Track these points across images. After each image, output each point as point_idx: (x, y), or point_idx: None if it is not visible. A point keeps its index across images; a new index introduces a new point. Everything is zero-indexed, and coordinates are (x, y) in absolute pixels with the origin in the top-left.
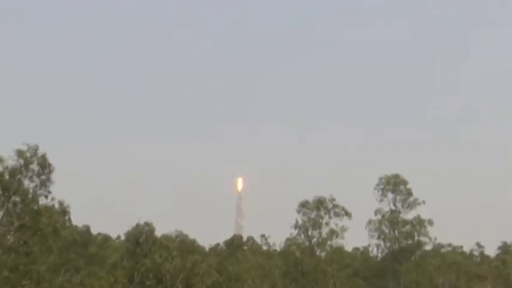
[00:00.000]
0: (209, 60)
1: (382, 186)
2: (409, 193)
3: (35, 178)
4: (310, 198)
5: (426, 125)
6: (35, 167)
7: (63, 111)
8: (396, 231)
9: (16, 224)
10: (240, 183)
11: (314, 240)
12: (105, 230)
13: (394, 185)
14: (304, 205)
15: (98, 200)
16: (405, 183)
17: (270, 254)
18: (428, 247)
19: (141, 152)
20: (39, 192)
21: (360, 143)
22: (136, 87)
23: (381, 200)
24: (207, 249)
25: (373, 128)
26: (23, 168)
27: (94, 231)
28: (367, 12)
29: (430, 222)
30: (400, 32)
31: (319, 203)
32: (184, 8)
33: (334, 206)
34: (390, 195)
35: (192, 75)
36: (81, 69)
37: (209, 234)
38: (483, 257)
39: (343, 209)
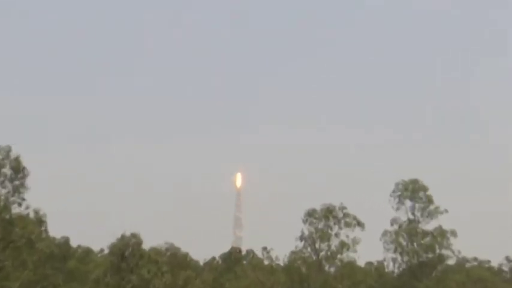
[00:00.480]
0: (209, 60)
1: (399, 193)
2: (430, 200)
3: (7, 183)
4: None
5: (426, 125)
6: (7, 170)
7: (62, 111)
8: (415, 244)
9: None
10: (239, 179)
11: (322, 253)
12: (86, 242)
13: (412, 191)
14: (311, 214)
15: (84, 206)
16: (425, 189)
17: (272, 269)
18: (451, 261)
19: (140, 152)
20: (11, 199)
21: (360, 142)
22: (136, 87)
23: (398, 208)
24: (201, 263)
25: (373, 128)
26: None
27: (74, 243)
28: (367, 13)
29: (454, 233)
30: (399, 33)
31: (328, 212)
32: (184, 7)
33: (345, 215)
34: (408, 203)
35: (192, 75)
36: (81, 69)
37: (204, 247)
38: None
39: (354, 218)
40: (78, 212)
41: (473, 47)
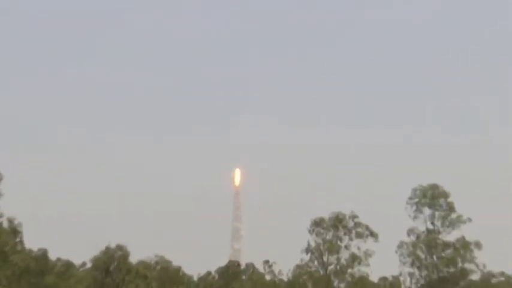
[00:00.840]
0: (208, 59)
1: (416, 200)
2: (451, 208)
3: None
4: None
5: (427, 125)
6: None
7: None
8: (434, 257)
9: None
10: (237, 176)
11: (331, 267)
12: (66, 255)
13: (431, 198)
14: (318, 223)
15: (64, 213)
16: (446, 195)
17: (275, 285)
18: (475, 276)
19: (138, 153)
20: None
21: (360, 142)
22: (135, 87)
23: (415, 217)
24: (195, 279)
25: (373, 128)
26: None
27: (52, 255)
28: (367, 13)
29: (478, 245)
30: (399, 33)
31: (337, 221)
32: (184, 7)
33: (356, 224)
34: (427, 211)
35: (190, 75)
36: (80, 69)
37: (198, 260)
38: None
39: (367, 228)
40: (57, 220)
41: (473, 47)
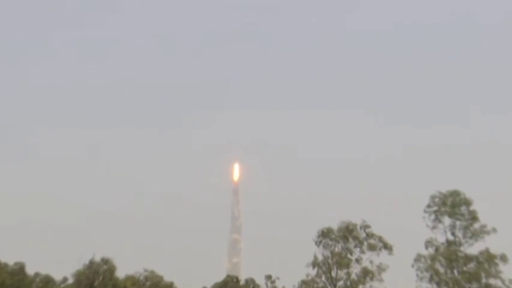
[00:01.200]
0: (205, 57)
1: (435, 208)
2: (474, 217)
3: None
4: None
5: (445, 124)
6: None
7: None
8: (455, 271)
9: None
10: (236, 170)
11: (340, 283)
12: (45, 269)
13: (451, 206)
14: (325, 234)
15: (46, 221)
16: (468, 203)
17: None
18: None
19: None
20: None
21: (369, 143)
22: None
23: (434, 227)
24: None
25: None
26: None
27: (30, 270)
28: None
29: (504, 259)
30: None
31: (347, 232)
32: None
33: (368, 235)
34: (447, 221)
35: (187, 73)
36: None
37: (193, 275)
38: None
39: (380, 239)
40: (35, 230)
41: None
